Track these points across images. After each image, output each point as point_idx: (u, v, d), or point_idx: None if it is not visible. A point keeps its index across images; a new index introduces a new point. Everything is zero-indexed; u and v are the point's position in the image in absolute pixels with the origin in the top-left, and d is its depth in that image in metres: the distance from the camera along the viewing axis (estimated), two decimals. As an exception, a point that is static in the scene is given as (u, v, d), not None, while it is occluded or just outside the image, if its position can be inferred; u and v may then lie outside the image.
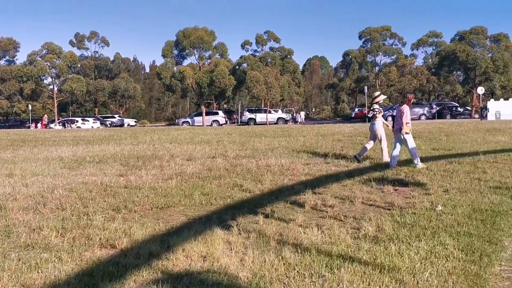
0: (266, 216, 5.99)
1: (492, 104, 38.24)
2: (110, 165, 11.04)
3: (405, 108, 9.67)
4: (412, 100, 10.29)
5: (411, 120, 10.36)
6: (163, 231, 5.41)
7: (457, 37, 49.24)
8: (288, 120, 45.71)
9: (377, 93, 11.23)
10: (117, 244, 4.87)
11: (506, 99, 41.76)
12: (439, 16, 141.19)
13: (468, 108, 48.76)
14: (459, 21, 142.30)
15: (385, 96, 13.00)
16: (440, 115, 44.64)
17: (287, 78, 51.00)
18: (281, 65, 51.99)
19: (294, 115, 48.55)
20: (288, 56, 53.43)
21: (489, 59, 45.56)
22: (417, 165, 9.52)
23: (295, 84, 58.02)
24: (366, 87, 44.29)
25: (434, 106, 47.12)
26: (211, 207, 6.67)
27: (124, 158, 12.32)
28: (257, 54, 53.56)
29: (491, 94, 50.70)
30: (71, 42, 60.65)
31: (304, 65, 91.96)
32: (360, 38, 56.69)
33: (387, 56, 55.61)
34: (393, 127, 10.21)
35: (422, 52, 53.85)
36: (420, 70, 45.63)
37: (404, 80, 44.18)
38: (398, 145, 9.85)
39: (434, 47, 51.73)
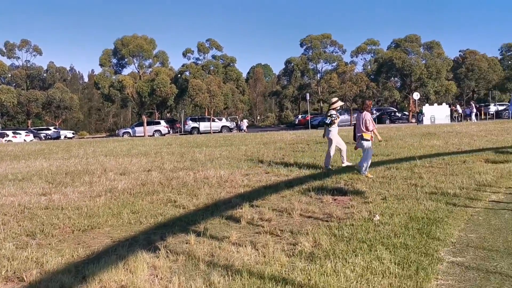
0: (199, 234, 5.60)
1: (427, 109, 39.84)
2: (34, 183, 10.20)
3: (367, 115, 9.50)
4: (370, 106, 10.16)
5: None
6: (82, 257, 4.89)
7: (393, 45, 51.09)
8: (232, 128, 45.41)
9: (334, 99, 10.98)
10: (25, 276, 4.33)
11: (440, 104, 43.62)
12: (376, 24, 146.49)
13: (406, 113, 50.59)
14: (395, 29, 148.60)
15: (343, 103, 12.54)
16: (380, 120, 45.95)
17: (231, 86, 50.82)
18: (224, 73, 51.74)
19: (239, 123, 48.32)
20: (231, 64, 53.29)
21: (423, 65, 47.52)
22: (363, 173, 9.38)
23: (239, 92, 57.93)
24: (308, 94, 44.87)
25: (374, 112, 48.43)
26: (140, 227, 6.19)
27: (51, 175, 11.47)
28: (200, 62, 53.04)
29: (426, 99, 52.88)
30: (0, 51, 57.30)
31: (248, 73, 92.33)
32: (301, 45, 57.47)
33: (328, 63, 56.74)
34: (354, 135, 10.01)
35: (361, 59, 55.46)
36: (359, 76, 46.86)
37: (345, 87, 45.19)
38: (368, 153, 9.66)
39: (372, 55, 53.35)
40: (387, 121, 45.84)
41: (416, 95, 41.49)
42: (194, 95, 43.38)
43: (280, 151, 15.46)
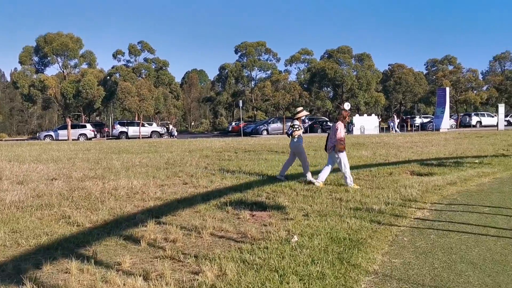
0: (86, 259, 4.65)
1: (357, 119, 40.67)
2: None
3: (340, 125, 9.10)
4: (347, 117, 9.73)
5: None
6: None
7: (326, 55, 52.02)
8: (163, 134, 43.87)
9: (299, 109, 10.35)
10: None
11: (369, 114, 44.77)
12: (310, 34, 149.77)
13: (306, 120, 51.42)
14: (328, 40, 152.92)
15: (308, 113, 11.97)
16: (312, 129, 46.38)
17: (163, 90, 49.20)
18: (156, 77, 50.02)
19: (170, 128, 46.82)
20: (164, 68, 51.66)
21: (354, 77, 48.66)
22: (349, 185, 8.90)
23: (173, 97, 56.36)
24: (241, 101, 44.40)
25: (307, 121, 48.88)
26: (16, 250, 5.13)
27: None
28: (131, 64, 50.94)
29: (356, 109, 54.22)
30: None
31: (183, 78, 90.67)
32: (236, 52, 57.12)
33: (263, 71, 56.78)
34: (326, 145, 9.51)
35: (295, 68, 55.95)
36: (293, 85, 47.04)
37: (278, 95, 45.12)
38: (330, 165, 9.30)
39: (306, 64, 53.99)
40: (319, 130, 46.34)
41: (347, 105, 42.22)
42: (123, 98, 41.38)
43: (205, 160, 14.62)
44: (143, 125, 42.91)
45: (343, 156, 9.04)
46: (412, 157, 14.64)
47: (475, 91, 55.40)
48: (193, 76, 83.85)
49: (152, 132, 43.36)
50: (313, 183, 9.22)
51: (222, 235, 5.69)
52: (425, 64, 67.12)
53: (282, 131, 45.11)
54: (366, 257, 4.64)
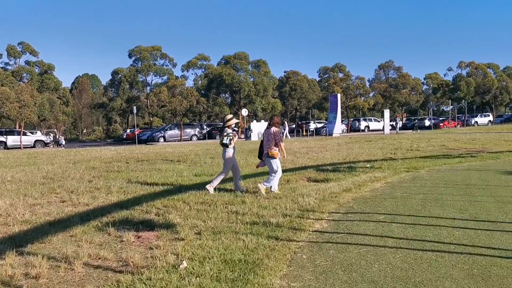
0: None
1: (254, 125, 40.95)
2: None
3: (275, 130, 8.87)
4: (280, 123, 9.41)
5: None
6: None
7: (223, 61, 51.98)
8: (48, 143, 40.40)
9: (229, 116, 9.66)
10: None
11: (267, 120, 45.35)
12: (207, 40, 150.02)
13: (236, 128, 51.60)
14: (225, 46, 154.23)
15: (238, 120, 11.32)
16: (210, 135, 45.92)
17: (49, 95, 45.46)
18: (40, 81, 46.13)
19: (57, 137, 43.28)
20: (49, 72, 47.83)
21: (251, 83, 49.21)
22: (265, 186, 8.77)
23: (62, 103, 52.45)
24: (135, 107, 42.52)
25: (205, 127, 48.35)
26: None
27: None
28: (9, 67, 46.41)
29: (254, 115, 54.87)
30: None
31: (73, 83, 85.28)
32: (130, 56, 54.76)
33: (158, 76, 55.14)
34: (260, 153, 9.20)
35: (192, 73, 55.11)
36: (190, 91, 46.22)
37: (175, 101, 43.98)
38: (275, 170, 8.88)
39: (203, 70, 53.48)
40: (217, 137, 45.95)
41: (244, 112, 42.47)
42: (0, 105, 37.40)
43: (91, 172, 13.34)
44: (24, 134, 39.11)
45: (275, 162, 8.83)
46: (309, 163, 14.70)
47: (363, 98, 59.02)
48: (84, 81, 79.06)
49: (36, 141, 39.64)
50: (242, 191, 9.00)
51: (98, 265, 4.85)
52: (318, 72, 70.32)
53: (180, 138, 44.05)
54: (263, 283, 4.13)
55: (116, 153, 22.23)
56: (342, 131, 49.76)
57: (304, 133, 49.66)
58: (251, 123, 41.88)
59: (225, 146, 9.16)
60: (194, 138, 45.81)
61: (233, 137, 9.22)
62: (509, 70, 72.94)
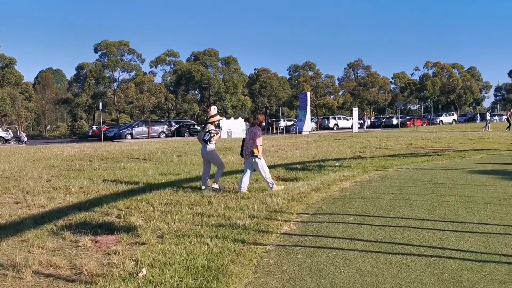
0: None
1: (224, 123, 40.62)
2: None
3: (258, 130, 8.73)
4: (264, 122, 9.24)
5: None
6: None
7: (192, 58, 51.35)
8: (9, 140, 38.88)
9: (213, 112, 9.63)
10: None
11: (236, 118, 45.11)
12: (176, 35, 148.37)
13: (219, 125, 51.18)
14: (194, 42, 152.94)
15: (221, 117, 10.81)
16: (179, 133, 45.29)
17: (9, 90, 43.82)
18: (1, 76, 44.41)
19: (19, 133, 41.72)
20: (10, 66, 46.08)
21: (221, 80, 48.78)
22: (273, 189, 8.67)
23: (24, 98, 50.69)
24: (101, 103, 41.40)
25: (174, 124, 47.66)
26: None
27: None
28: (-32, 61, 44.60)
29: (224, 113, 54.44)
30: None
31: (36, 77, 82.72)
32: (96, 51, 53.38)
33: (126, 72, 53.95)
34: (242, 151, 9.06)
35: (160, 70, 54.20)
36: (158, 87, 45.41)
37: (142, 97, 43.12)
38: (248, 170, 8.87)
39: (172, 66, 52.65)
40: (186, 134, 45.44)
41: (214, 109, 41.98)
42: (-42, 99, 35.77)
43: (51, 170, 12.77)
44: (-17, 130, 37.56)
45: (261, 162, 8.74)
46: (278, 162, 14.52)
47: (332, 96, 59.47)
48: (48, 76, 76.69)
49: (-4, 137, 38.22)
50: (219, 191, 8.88)
51: (50, 273, 4.49)
52: (288, 69, 70.48)
53: (147, 135, 43.26)
54: (227, 292, 3.87)
55: (80, 150, 21.52)
56: (312, 129, 49.99)
57: (274, 131, 49.62)
58: (221, 120, 41.51)
59: (206, 142, 9.03)
60: (163, 135, 45.08)
61: (214, 135, 9.08)
62: (473, 71, 75.01)
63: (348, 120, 55.83)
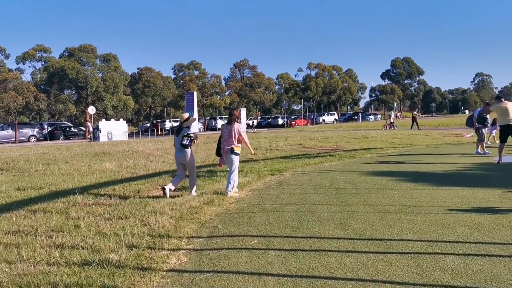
0: None
1: (104, 125, 37.38)
2: None
3: (238, 126, 8.47)
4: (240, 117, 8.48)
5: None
6: None
7: (66, 54, 46.78)
8: None
9: (186, 115, 9.05)
10: None
11: (118, 119, 42.06)
12: (46, 29, 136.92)
13: (83, 128, 47.15)
14: (68, 37, 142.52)
15: (195, 119, 10.27)
16: (52, 136, 41.03)
17: None
18: None
19: None
20: None
21: (99, 78, 45.14)
22: (229, 193, 8.24)
23: None
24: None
25: (46, 127, 43.12)
26: None
27: None
28: None
29: (105, 114, 50.75)
30: None
31: None
32: None
33: (-12, 69, 47.55)
34: (218, 148, 8.77)
35: (29, 66, 48.64)
36: (26, 86, 40.60)
37: (7, 97, 38.16)
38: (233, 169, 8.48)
39: (42, 62, 47.51)
40: (62, 137, 41.34)
41: (91, 109, 38.64)
42: None
43: None
44: None
45: (237, 159, 8.48)
46: (163, 168, 13.01)
47: (219, 96, 58.76)
48: None
49: None
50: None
51: None
52: (172, 69, 68.20)
53: (14, 139, 38.47)
54: None
55: None
56: (199, 130, 48.70)
57: (160, 132, 47.37)
58: (100, 122, 38.24)
59: (185, 147, 8.43)
60: (33, 139, 40.47)
61: (195, 138, 8.59)
62: (350, 72, 79.69)
63: (235, 120, 55.44)
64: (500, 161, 11.78)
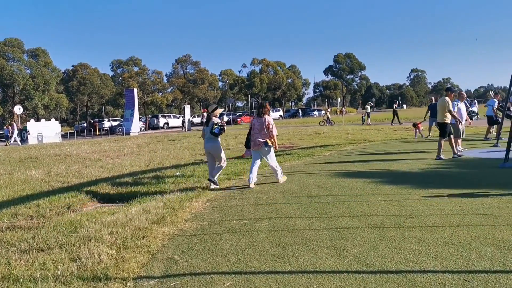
0: None
1: (33, 126, 34.15)
2: None
3: (269, 118, 8.57)
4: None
5: None
6: None
7: (-10, 49, 42.79)
8: None
9: (214, 106, 9.16)
10: None
11: (49, 119, 38.81)
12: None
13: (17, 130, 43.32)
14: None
15: (222, 110, 10.09)
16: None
17: None
18: None
19: None
20: None
21: (27, 75, 41.52)
22: (280, 180, 8.72)
23: None
24: None
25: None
26: None
27: None
28: None
29: (35, 114, 47.05)
30: None
31: None
32: None
33: None
34: (247, 140, 8.93)
35: None
36: None
37: None
38: (258, 161, 8.71)
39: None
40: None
41: (18, 109, 35.31)
42: None
43: None
44: None
45: (273, 151, 8.68)
46: (102, 175, 11.27)
47: (161, 93, 56.36)
48: None
49: None
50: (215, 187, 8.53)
51: None
52: (110, 65, 64.61)
53: None
54: None
55: None
56: (141, 129, 46.25)
57: (97, 133, 44.45)
58: (29, 122, 34.94)
59: (215, 135, 8.62)
60: None
61: (223, 125, 8.74)
62: (293, 68, 79.48)
63: (178, 118, 53.32)
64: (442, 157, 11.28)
